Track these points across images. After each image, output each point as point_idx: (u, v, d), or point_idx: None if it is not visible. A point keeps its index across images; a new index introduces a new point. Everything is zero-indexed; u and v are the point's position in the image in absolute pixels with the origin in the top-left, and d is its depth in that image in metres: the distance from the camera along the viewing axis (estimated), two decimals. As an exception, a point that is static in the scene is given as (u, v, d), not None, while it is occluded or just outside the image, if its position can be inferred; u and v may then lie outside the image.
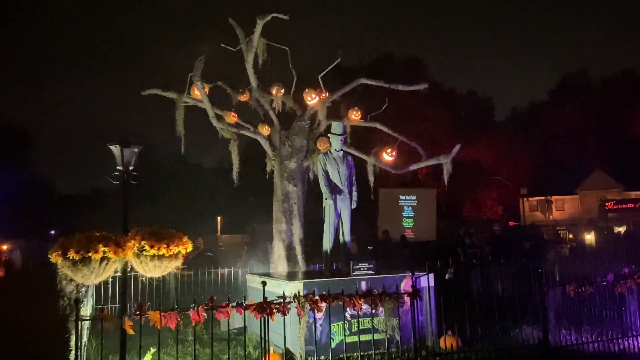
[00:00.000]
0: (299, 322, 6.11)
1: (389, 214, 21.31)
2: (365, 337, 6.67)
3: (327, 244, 8.49)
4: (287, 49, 9.73)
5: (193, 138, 10.76)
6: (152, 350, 6.26)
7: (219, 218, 35.91)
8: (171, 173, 37.44)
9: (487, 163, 36.84)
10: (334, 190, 8.51)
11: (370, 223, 20.77)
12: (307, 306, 5.83)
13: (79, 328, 5.23)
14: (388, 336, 6.47)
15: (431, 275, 7.29)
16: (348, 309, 6.41)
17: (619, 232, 18.88)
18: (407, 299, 6.34)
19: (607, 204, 31.81)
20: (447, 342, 6.67)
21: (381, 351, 6.48)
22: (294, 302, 5.79)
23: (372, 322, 6.57)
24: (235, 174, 9.96)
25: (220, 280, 10.98)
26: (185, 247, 6.02)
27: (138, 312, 5.24)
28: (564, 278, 7.61)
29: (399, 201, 21.91)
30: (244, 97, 9.94)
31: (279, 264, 9.43)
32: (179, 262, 6.03)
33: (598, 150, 38.23)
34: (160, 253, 5.76)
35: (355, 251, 9.36)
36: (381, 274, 7.67)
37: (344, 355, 6.17)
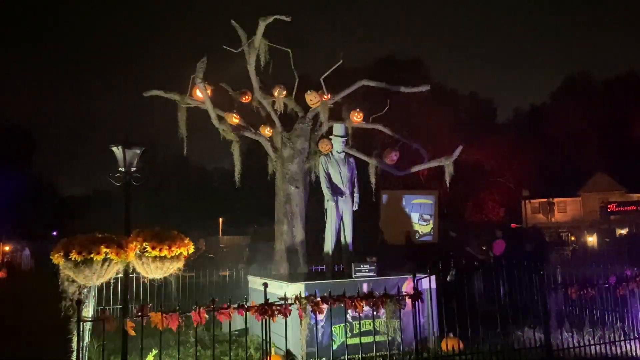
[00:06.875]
0: (300, 323, 6.10)
1: (390, 216, 21.29)
2: (366, 339, 6.67)
3: (328, 246, 8.49)
4: (289, 50, 9.74)
5: (195, 139, 10.78)
6: (154, 351, 6.26)
7: (220, 219, 35.93)
8: (173, 174, 37.48)
9: (489, 165, 36.77)
10: (336, 191, 8.50)
11: (371, 225, 20.73)
12: (309, 308, 5.82)
13: (81, 329, 5.24)
14: (389, 338, 6.46)
15: (433, 277, 7.28)
16: (349, 310, 6.39)
17: (621, 234, 18.83)
18: (408, 300, 6.33)
19: (609, 206, 31.85)
20: (449, 344, 6.65)
21: (382, 353, 6.46)
22: (296, 303, 5.78)
23: (374, 324, 6.56)
24: (237, 176, 9.96)
25: (221, 281, 10.98)
26: (187, 248, 6.02)
27: (139, 314, 5.24)
28: (566, 280, 7.59)
29: (401, 203, 21.88)
30: (245, 99, 9.95)
31: (281, 266, 9.42)
32: (180, 264, 6.03)
33: (600, 152, 38.17)
34: (162, 254, 5.75)
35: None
36: (383, 276, 7.66)
37: (345, 357, 6.15)
